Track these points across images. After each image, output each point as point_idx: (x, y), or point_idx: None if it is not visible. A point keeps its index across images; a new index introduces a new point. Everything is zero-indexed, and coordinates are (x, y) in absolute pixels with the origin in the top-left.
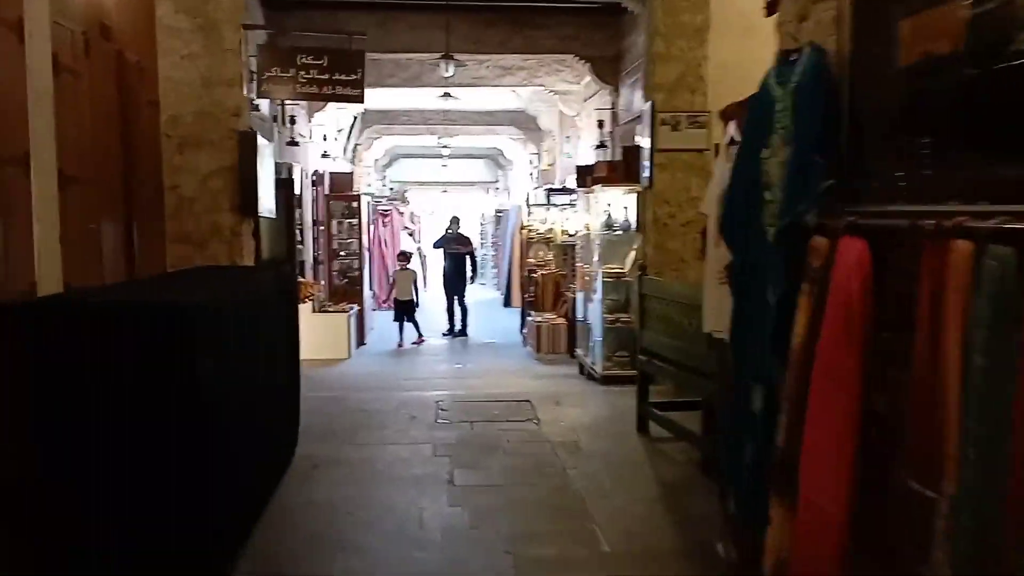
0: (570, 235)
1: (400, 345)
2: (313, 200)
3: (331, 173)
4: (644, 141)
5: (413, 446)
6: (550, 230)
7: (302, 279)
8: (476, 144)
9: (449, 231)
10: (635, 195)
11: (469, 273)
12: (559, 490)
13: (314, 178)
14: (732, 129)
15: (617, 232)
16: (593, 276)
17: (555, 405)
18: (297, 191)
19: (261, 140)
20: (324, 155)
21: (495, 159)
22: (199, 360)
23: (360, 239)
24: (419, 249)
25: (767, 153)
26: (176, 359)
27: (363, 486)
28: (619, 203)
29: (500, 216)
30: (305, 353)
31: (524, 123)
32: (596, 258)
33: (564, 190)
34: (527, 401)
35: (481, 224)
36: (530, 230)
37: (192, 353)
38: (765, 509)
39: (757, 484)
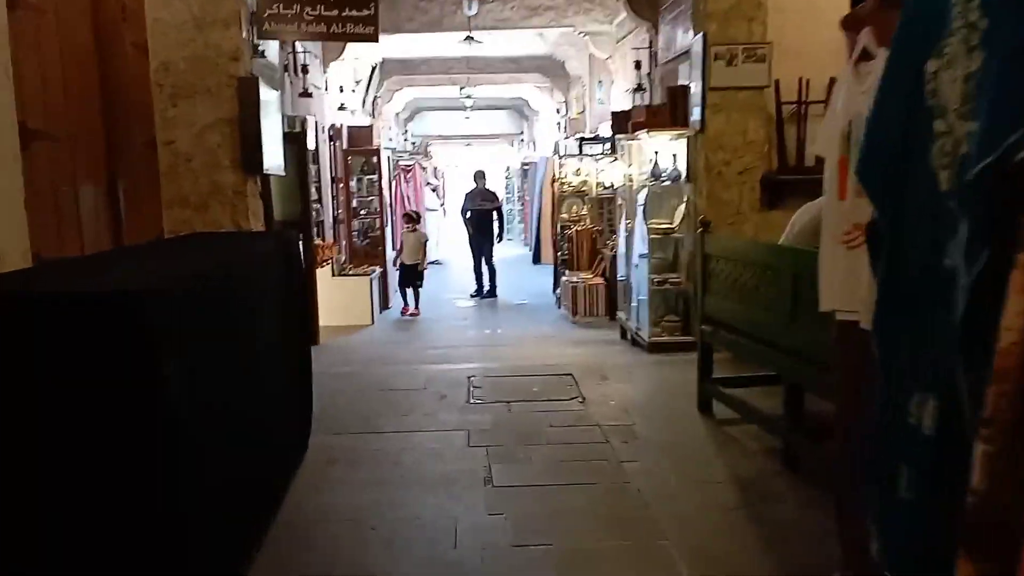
0: (606, 187)
1: (405, 311)
2: (331, 156)
3: (349, 127)
4: (694, 79)
5: (443, 434)
6: (584, 183)
7: (319, 241)
8: (500, 94)
9: (475, 187)
10: (684, 141)
11: (496, 231)
12: (616, 492)
13: (331, 132)
14: (866, 38)
15: (664, 183)
16: (637, 232)
17: (600, 379)
18: (312, 146)
19: (265, 88)
20: (341, 108)
21: (519, 110)
22: (162, 362)
23: (381, 196)
24: (443, 206)
25: (937, 65)
26: (129, 364)
27: (387, 489)
28: (665, 150)
29: (527, 169)
30: (325, 320)
31: (551, 70)
32: (641, 212)
33: (597, 139)
34: (569, 375)
35: (506, 178)
36: (562, 183)
37: (151, 354)
38: (936, 566)
39: (919, 528)
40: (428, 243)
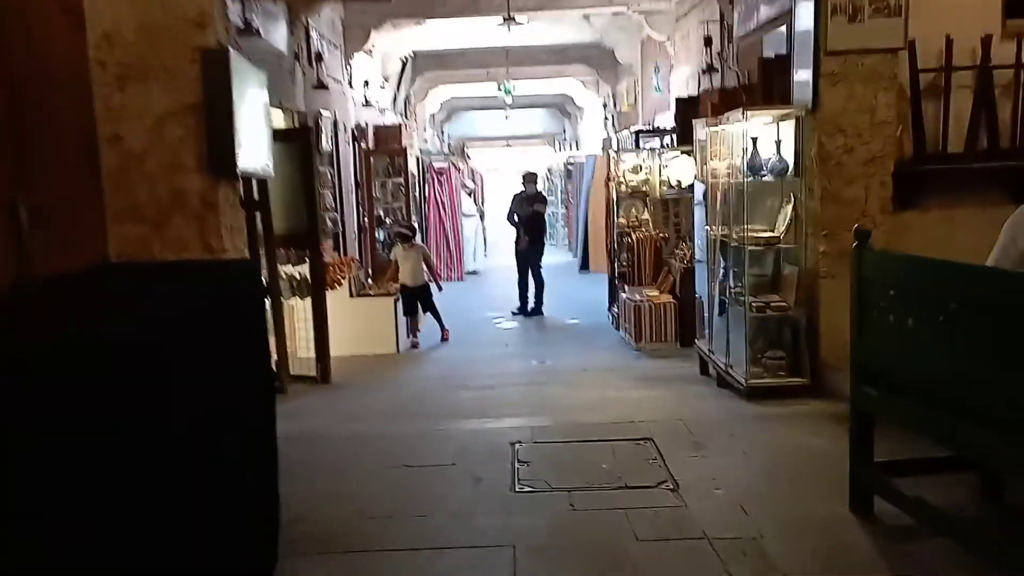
0: (672, 186)
1: (414, 342)
2: (355, 158)
3: (375, 126)
4: (801, 44)
5: (477, 554)
6: (645, 181)
7: (331, 258)
8: (541, 91)
9: (523, 190)
10: (782, 125)
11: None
12: None
13: (355, 132)
14: None
15: (764, 177)
16: (726, 241)
17: (693, 447)
18: (327, 146)
19: (242, 64)
20: (366, 104)
21: (561, 108)
22: None
23: (408, 201)
24: (480, 211)
25: None
26: None
27: None
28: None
29: (571, 169)
30: (340, 349)
31: (598, 59)
32: (731, 217)
33: (657, 131)
34: (648, 440)
35: (548, 179)
36: (620, 182)
37: None
38: None
39: None
40: (430, 258)
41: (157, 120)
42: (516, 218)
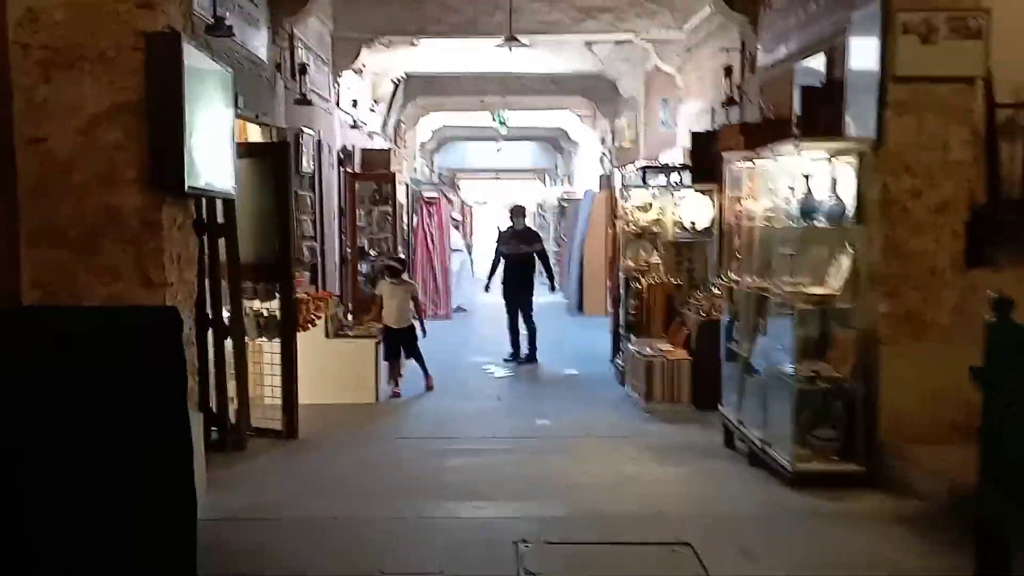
0: (685, 228)
1: (395, 394)
2: (339, 183)
3: (363, 149)
4: (859, 64)
5: None
6: (656, 221)
7: (304, 294)
8: (535, 123)
9: (510, 225)
10: (835, 162)
11: (543, 278)
12: None
13: (340, 155)
14: None
15: (818, 222)
16: (764, 296)
17: (743, 557)
18: (309, 167)
19: (199, 58)
20: (354, 126)
21: (555, 142)
22: None
23: (395, 231)
24: (468, 246)
25: None
26: None
27: None
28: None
29: (565, 205)
30: (311, 396)
31: (598, 91)
32: (770, 267)
33: (667, 168)
34: (685, 546)
35: (540, 215)
36: (628, 221)
37: None
38: None
39: None
40: (418, 296)
41: (89, 120)
42: (502, 259)
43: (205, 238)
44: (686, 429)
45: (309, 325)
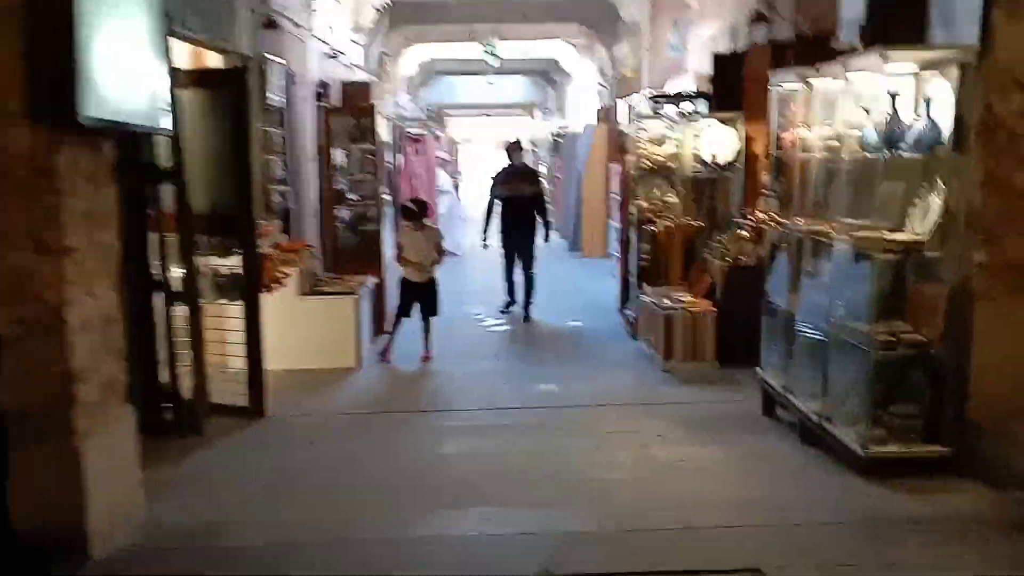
0: (705, 163)
1: (384, 355)
2: (315, 120)
3: (342, 83)
4: None
5: None
6: (674, 156)
7: (273, 249)
8: (525, 55)
9: (508, 164)
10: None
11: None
12: None
13: (318, 89)
14: None
15: (902, 152)
16: (821, 241)
17: None
18: (277, 99)
19: None
20: (332, 56)
21: (546, 75)
22: None
23: (378, 173)
24: (455, 186)
25: None
26: None
27: None
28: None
29: (560, 141)
30: (282, 362)
31: (596, 17)
32: (832, 207)
33: (683, 96)
34: (756, 574)
35: (532, 151)
36: (641, 156)
37: None
38: None
39: None
40: (444, 243)
41: None
42: (500, 202)
43: (148, 186)
44: (714, 393)
45: (275, 285)
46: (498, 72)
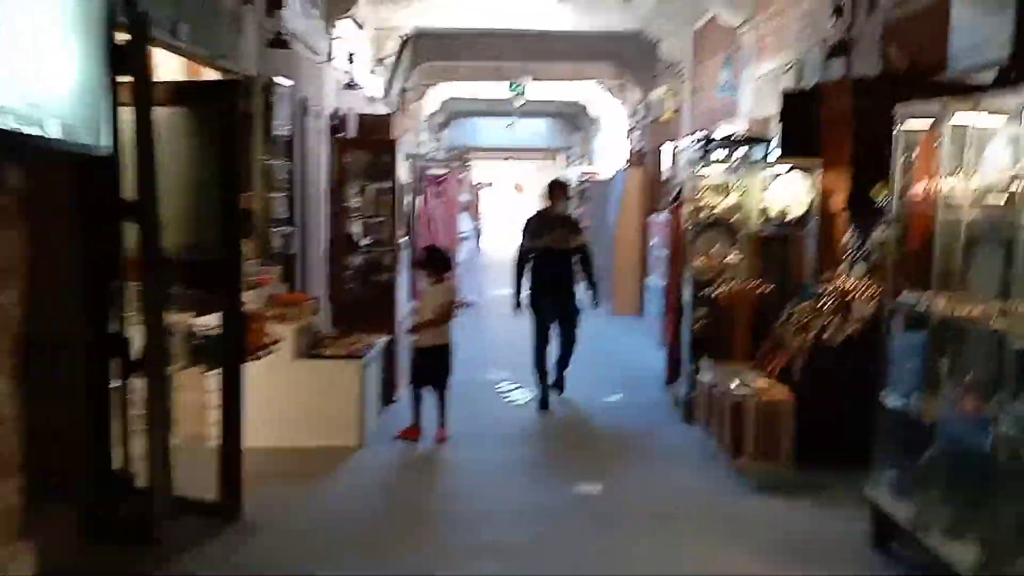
0: (770, 217)
1: (408, 433)
2: (330, 154)
3: (360, 115)
4: None
5: None
6: (737, 208)
7: (260, 307)
8: (552, 97)
9: (545, 209)
10: None
11: (583, 286)
12: None
13: (334, 120)
14: None
15: None
16: (966, 328)
17: None
18: (284, 128)
19: None
20: (350, 86)
21: (572, 118)
22: None
23: (395, 214)
24: (478, 230)
25: None
26: None
27: None
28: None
29: (586, 187)
30: (274, 437)
31: (631, 56)
32: (984, 283)
33: (747, 140)
34: None
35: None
36: (700, 206)
37: None
38: None
39: None
40: (460, 297)
41: None
42: (533, 257)
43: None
44: (800, 506)
45: (262, 352)
46: (523, 115)
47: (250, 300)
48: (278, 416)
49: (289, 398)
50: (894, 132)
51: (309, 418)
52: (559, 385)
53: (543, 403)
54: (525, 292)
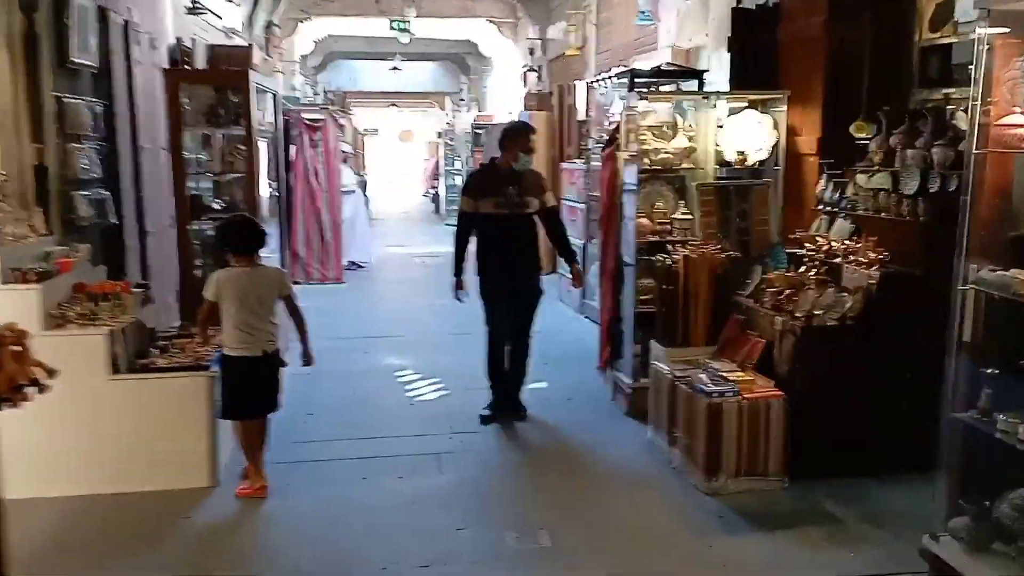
0: (726, 162)
1: (251, 489)
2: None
3: (213, 46)
4: None
5: None
6: (689, 152)
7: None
8: (438, 35)
9: (493, 161)
10: None
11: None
12: None
13: (176, 52)
14: None
15: None
16: None
17: None
18: (89, 56)
19: None
20: (193, 9)
21: (460, 61)
22: None
23: (254, 167)
24: (363, 182)
25: None
26: None
27: None
28: None
29: (480, 133)
30: (91, 482)
31: None
32: None
33: (685, 71)
34: None
35: (448, 145)
36: (639, 152)
37: None
38: None
39: None
40: (293, 294)
41: None
42: (478, 224)
43: None
44: (802, 542)
45: (16, 396)
46: (407, 58)
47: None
48: (93, 455)
49: (108, 428)
50: (977, 32)
51: (138, 454)
52: (515, 408)
53: (490, 417)
54: (472, 272)
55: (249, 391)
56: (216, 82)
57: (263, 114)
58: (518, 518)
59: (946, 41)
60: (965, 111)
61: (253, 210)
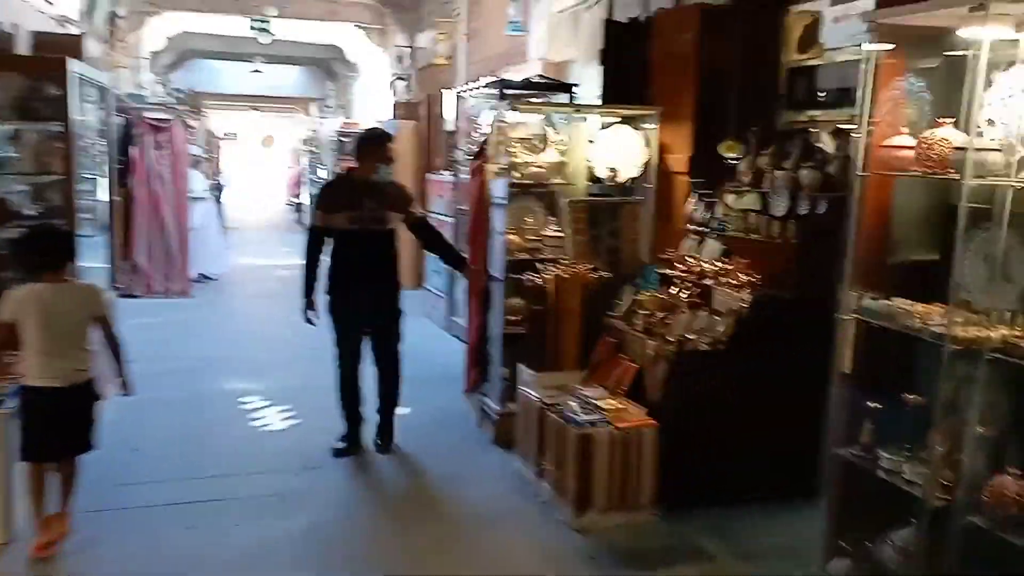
0: (598, 179)
1: (46, 544)
2: None
3: (37, 33)
4: None
5: None
6: (559, 167)
7: None
8: (303, 38)
9: (353, 173)
10: None
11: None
12: None
13: None
14: None
15: None
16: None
17: None
18: None
19: None
20: None
21: (326, 66)
22: None
23: (71, 170)
24: (218, 187)
25: None
26: None
27: None
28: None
29: (345, 141)
30: None
31: None
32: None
33: (553, 84)
34: None
35: (312, 152)
36: (510, 165)
37: None
38: None
39: None
40: (111, 309)
41: None
42: (332, 238)
43: None
44: None
45: None
46: (270, 61)
47: None
48: None
49: None
50: (863, 49)
51: None
52: (384, 436)
53: (343, 450)
54: (320, 288)
55: (54, 428)
56: (27, 70)
57: (90, 110)
58: (371, 569)
59: (813, 63)
60: (831, 134)
61: (69, 216)
